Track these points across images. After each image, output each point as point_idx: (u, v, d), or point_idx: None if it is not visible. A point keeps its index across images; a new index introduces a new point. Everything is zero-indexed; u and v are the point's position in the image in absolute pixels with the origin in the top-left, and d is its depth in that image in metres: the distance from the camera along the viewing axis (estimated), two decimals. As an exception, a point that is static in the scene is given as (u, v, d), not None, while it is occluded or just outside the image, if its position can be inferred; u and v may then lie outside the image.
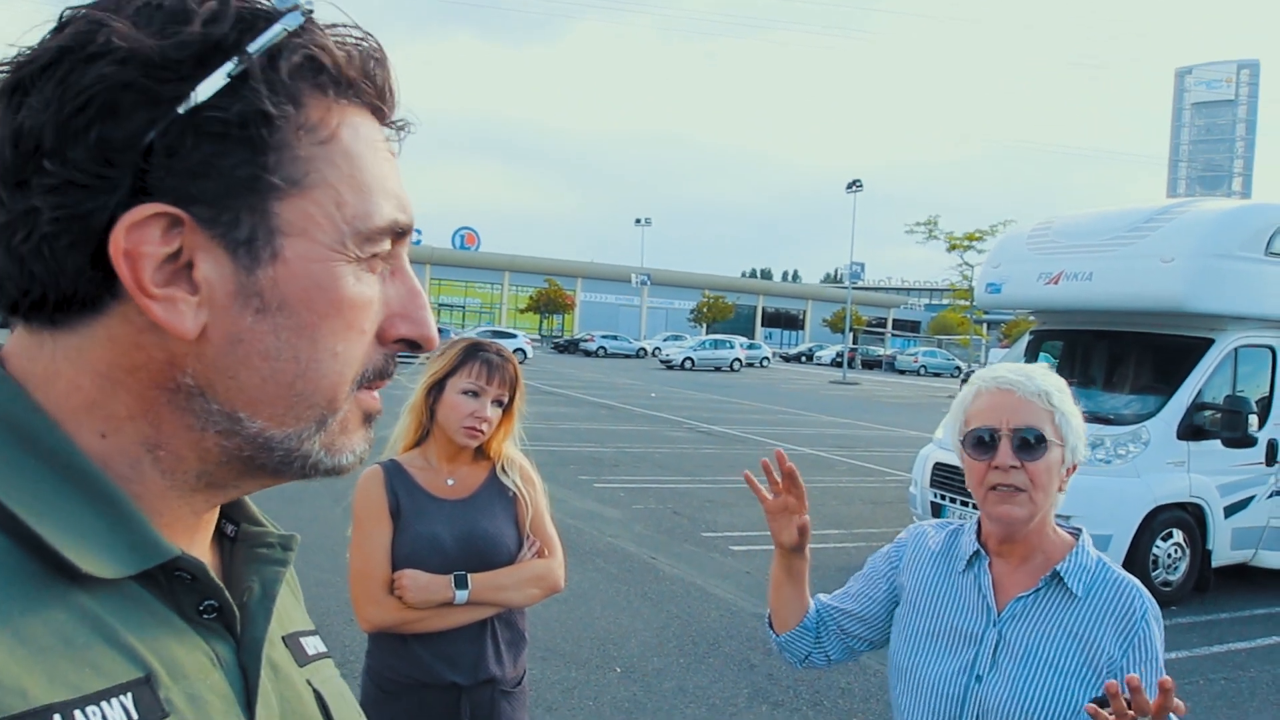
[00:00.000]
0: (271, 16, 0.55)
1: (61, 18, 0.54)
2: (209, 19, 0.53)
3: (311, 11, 0.57)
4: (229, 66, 0.53)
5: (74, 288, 0.53)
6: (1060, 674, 1.56)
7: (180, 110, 0.52)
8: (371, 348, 0.61)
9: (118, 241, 0.52)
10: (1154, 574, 6.77)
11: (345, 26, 0.59)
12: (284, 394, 0.58)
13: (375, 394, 0.64)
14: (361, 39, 0.60)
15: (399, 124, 0.64)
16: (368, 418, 0.64)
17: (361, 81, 0.59)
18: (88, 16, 0.53)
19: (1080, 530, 1.70)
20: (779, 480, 1.72)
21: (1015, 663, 1.58)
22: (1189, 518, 6.94)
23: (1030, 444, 1.59)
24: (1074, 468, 1.64)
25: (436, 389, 2.22)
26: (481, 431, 2.20)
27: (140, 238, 0.52)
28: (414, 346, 0.64)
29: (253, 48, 0.53)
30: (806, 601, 1.83)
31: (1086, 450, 1.65)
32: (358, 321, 0.59)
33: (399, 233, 0.61)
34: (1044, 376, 1.65)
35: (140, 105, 0.52)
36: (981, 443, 1.62)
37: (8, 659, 0.47)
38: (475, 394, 2.19)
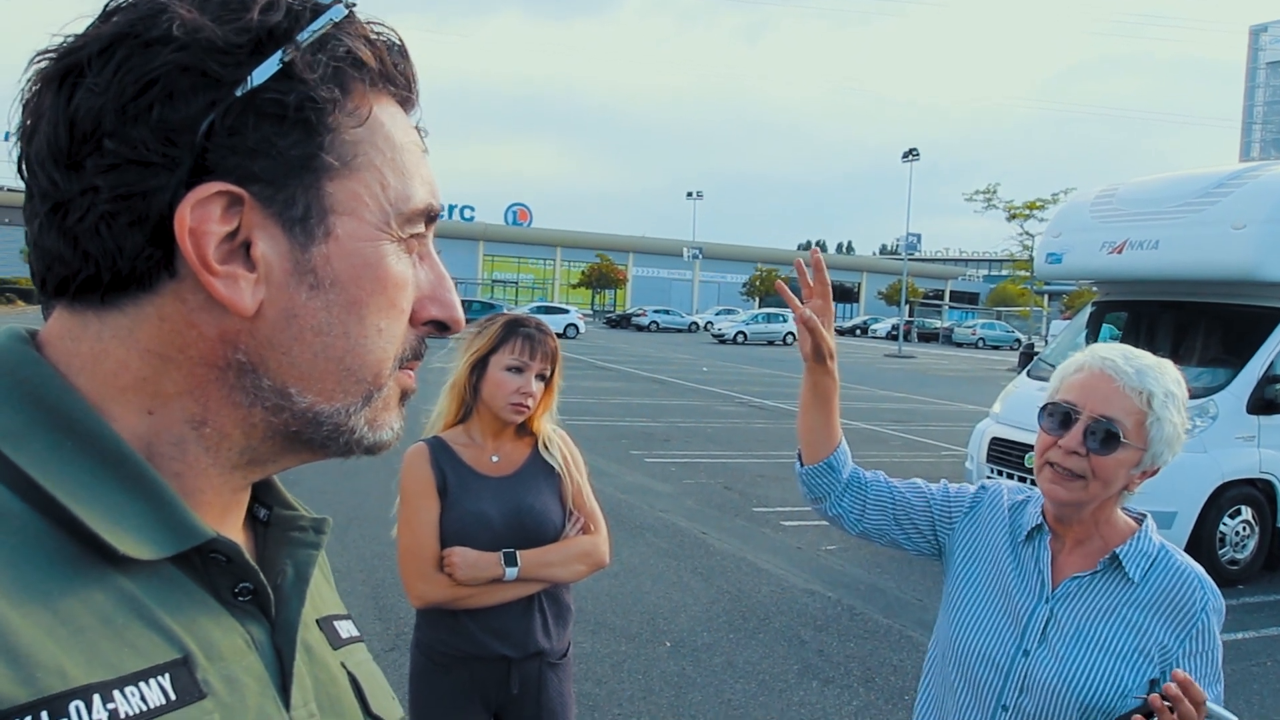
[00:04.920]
0: (318, 9, 0.58)
1: (107, 7, 0.56)
2: (265, 8, 0.56)
3: (354, 5, 0.59)
4: (280, 53, 0.55)
5: (131, 266, 0.54)
6: (1110, 656, 1.54)
7: (238, 93, 0.54)
8: (407, 328, 0.63)
9: (183, 218, 0.53)
10: (1221, 552, 6.59)
11: (378, 23, 0.62)
12: (334, 369, 0.59)
13: (411, 373, 0.65)
14: (390, 33, 0.62)
15: (419, 118, 0.66)
16: (404, 396, 0.66)
17: (395, 74, 0.62)
18: (144, 4, 0.55)
19: (1145, 515, 1.67)
20: (811, 284, 1.70)
21: (1065, 641, 1.57)
22: (1259, 494, 6.74)
23: (1103, 437, 1.52)
24: (1153, 472, 1.58)
25: (480, 367, 2.24)
26: (527, 407, 2.22)
27: (203, 215, 0.54)
28: (442, 329, 0.65)
29: (302, 36, 0.56)
30: (836, 435, 1.77)
31: (1170, 459, 1.57)
32: (399, 300, 0.61)
33: (430, 216, 0.64)
34: (1156, 376, 1.54)
35: (201, 88, 0.53)
36: (1058, 417, 1.57)
37: (47, 639, 0.47)
38: (519, 370, 2.21)
